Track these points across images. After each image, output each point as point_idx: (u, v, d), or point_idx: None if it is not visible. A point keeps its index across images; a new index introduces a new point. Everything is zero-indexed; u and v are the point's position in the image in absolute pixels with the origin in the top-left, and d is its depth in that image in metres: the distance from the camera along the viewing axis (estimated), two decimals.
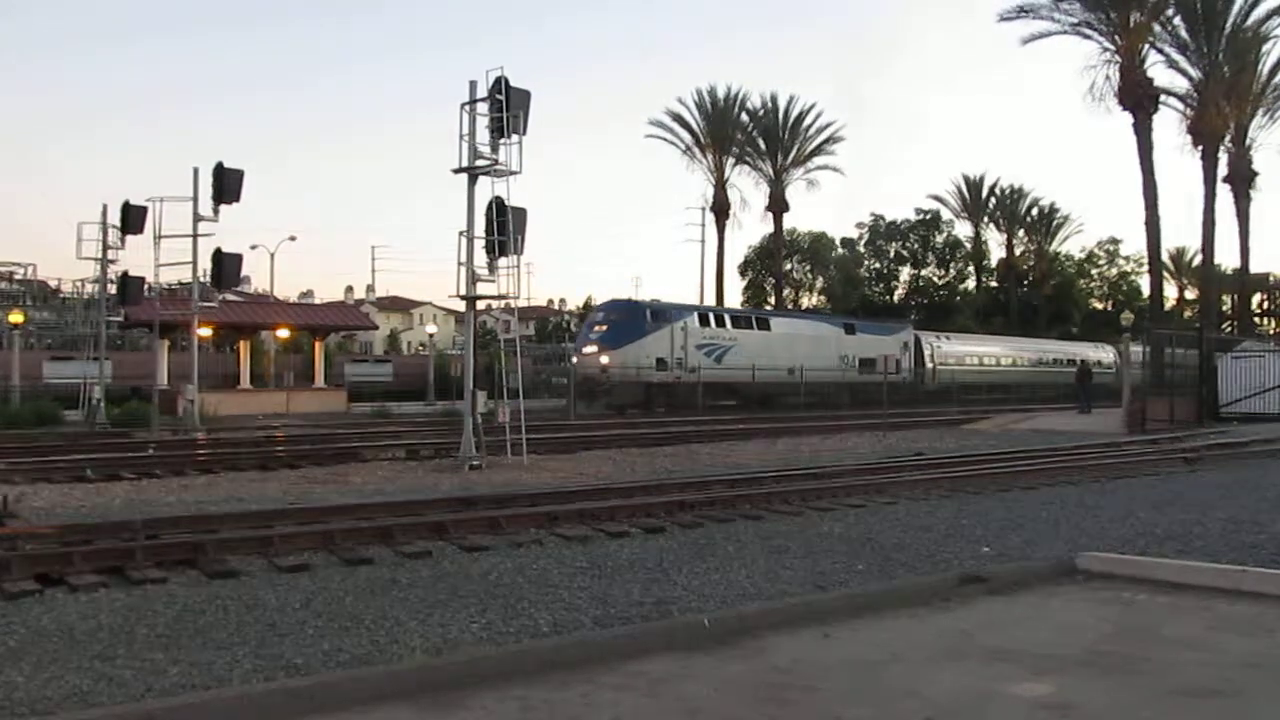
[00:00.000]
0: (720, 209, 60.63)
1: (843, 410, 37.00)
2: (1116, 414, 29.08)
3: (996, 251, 76.73)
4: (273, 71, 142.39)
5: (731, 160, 61.58)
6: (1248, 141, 50.61)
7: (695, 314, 38.32)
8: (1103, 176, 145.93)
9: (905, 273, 75.77)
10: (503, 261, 17.67)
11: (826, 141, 62.09)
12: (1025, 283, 75.57)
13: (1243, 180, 50.38)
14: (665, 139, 60.88)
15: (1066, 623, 6.35)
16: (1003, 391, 48.05)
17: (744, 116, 61.73)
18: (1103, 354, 56.01)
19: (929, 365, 46.47)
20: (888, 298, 74.91)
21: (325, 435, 23.44)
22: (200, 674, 5.36)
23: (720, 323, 38.78)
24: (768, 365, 38.00)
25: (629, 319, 35.83)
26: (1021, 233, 76.42)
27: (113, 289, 27.71)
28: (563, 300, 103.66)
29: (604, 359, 34.18)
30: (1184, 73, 46.04)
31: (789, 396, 38.89)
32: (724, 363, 37.33)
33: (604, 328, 36.03)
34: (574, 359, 36.32)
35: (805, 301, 75.37)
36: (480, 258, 17.67)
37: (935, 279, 74.73)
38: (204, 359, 33.45)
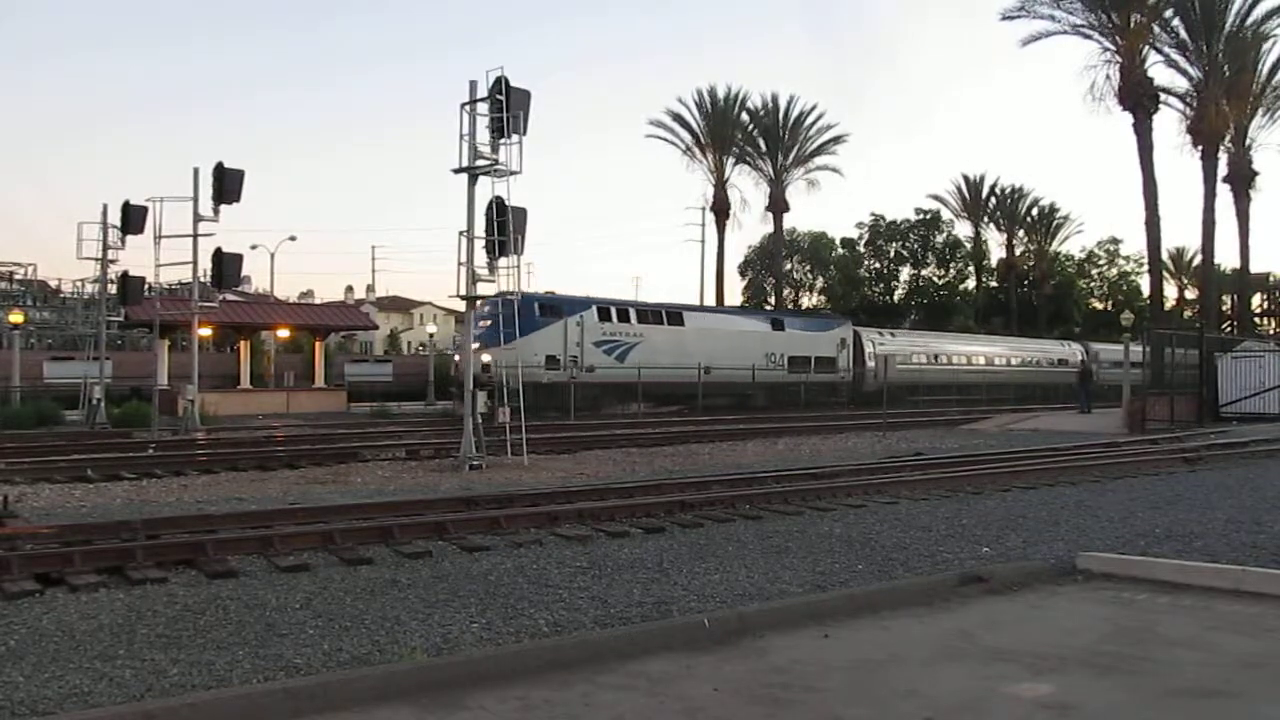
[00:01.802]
0: (720, 209, 60.63)
1: (760, 414, 34.30)
2: (1116, 414, 29.09)
3: (996, 251, 76.84)
4: (273, 72, 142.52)
5: (731, 160, 61.59)
6: (1248, 141, 50.68)
7: (594, 307, 34.99)
8: (1103, 176, 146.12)
9: (905, 273, 75.73)
10: (503, 261, 17.70)
11: (828, 142, 62.11)
12: (1025, 283, 75.57)
13: (1243, 180, 50.41)
14: (665, 139, 60.94)
15: (1066, 623, 6.35)
16: (957, 392, 44.84)
17: (744, 116, 61.74)
18: (1069, 352, 54.15)
19: (869, 364, 43.19)
20: (888, 298, 74.88)
21: (325, 435, 23.44)
22: (200, 674, 5.36)
23: (623, 317, 35.35)
24: (679, 364, 35.03)
25: (515, 313, 33.88)
26: (1021, 233, 76.45)
27: (113, 289, 27.72)
28: None
29: (485, 357, 31.05)
30: (1184, 73, 46.16)
31: (705, 398, 36.04)
32: (628, 361, 34.16)
33: (488, 323, 31.80)
34: (456, 358, 32.88)
35: (805, 301, 75.37)
36: (480, 257, 17.70)
37: (935, 279, 74.68)
38: (204, 359, 33.46)
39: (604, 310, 35.12)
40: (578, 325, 33.26)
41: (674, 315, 37.69)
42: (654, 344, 35.06)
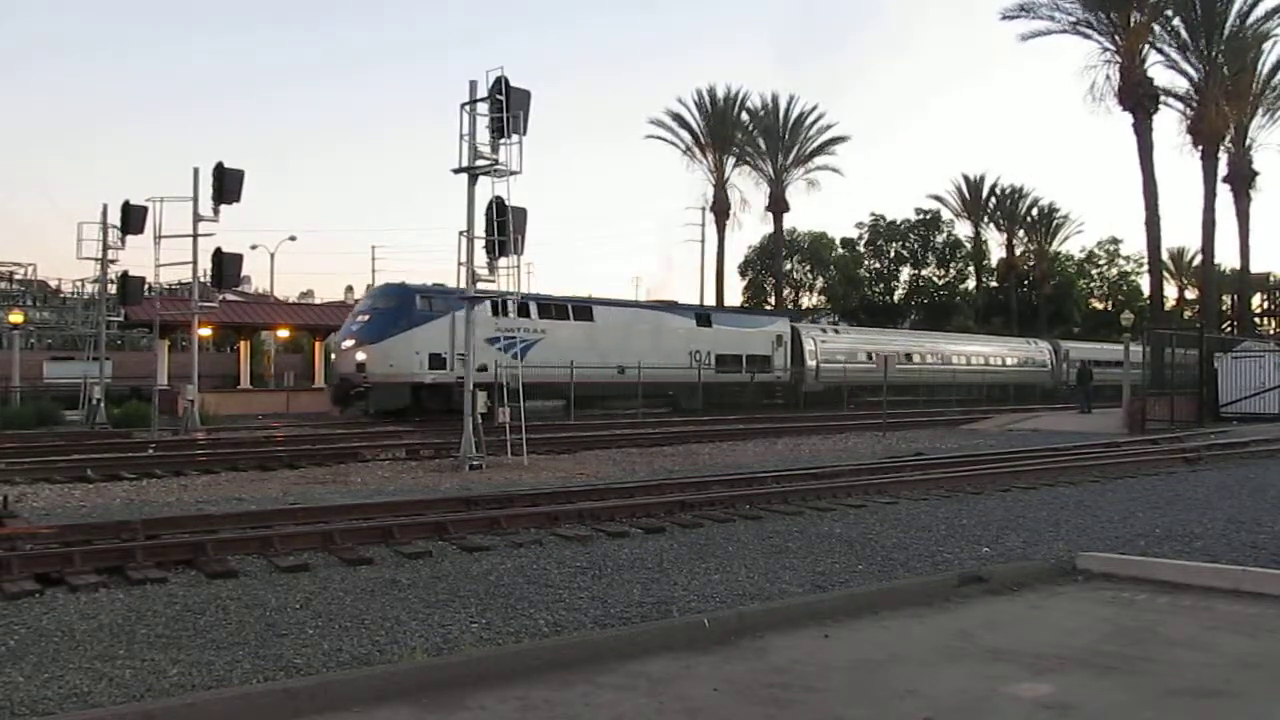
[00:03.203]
0: (720, 209, 60.64)
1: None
2: (1116, 414, 29.10)
3: (996, 251, 76.82)
4: (273, 72, 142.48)
5: (731, 160, 61.60)
6: (1248, 141, 50.69)
7: (487, 301, 32.71)
8: (1103, 176, 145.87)
9: (905, 273, 75.77)
10: (503, 261, 17.71)
11: (828, 142, 62.14)
12: (1025, 283, 75.58)
13: (1243, 180, 50.42)
14: (665, 139, 60.94)
15: (1066, 623, 6.35)
16: (913, 393, 42.37)
17: (744, 116, 61.76)
18: (1037, 351, 52.74)
19: (810, 364, 40.51)
20: (888, 298, 74.90)
21: (325, 435, 23.43)
22: (200, 674, 5.36)
23: (523, 311, 31.67)
24: (589, 363, 32.12)
25: (395, 306, 29.86)
26: (1021, 233, 76.44)
27: (113, 289, 27.73)
28: None
29: (360, 355, 28.62)
30: (1184, 73, 46.16)
31: (618, 400, 33.74)
32: (528, 359, 30.29)
33: (366, 317, 30.23)
34: (333, 356, 30.96)
35: (805, 301, 75.36)
36: (480, 257, 17.71)
37: (935, 279, 74.70)
38: (204, 359, 33.52)
39: (499, 304, 31.83)
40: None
41: (582, 310, 34.70)
42: (559, 341, 31.81)
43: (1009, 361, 51.17)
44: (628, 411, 32.53)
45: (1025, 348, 52.98)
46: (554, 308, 33.41)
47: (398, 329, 28.89)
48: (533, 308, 32.24)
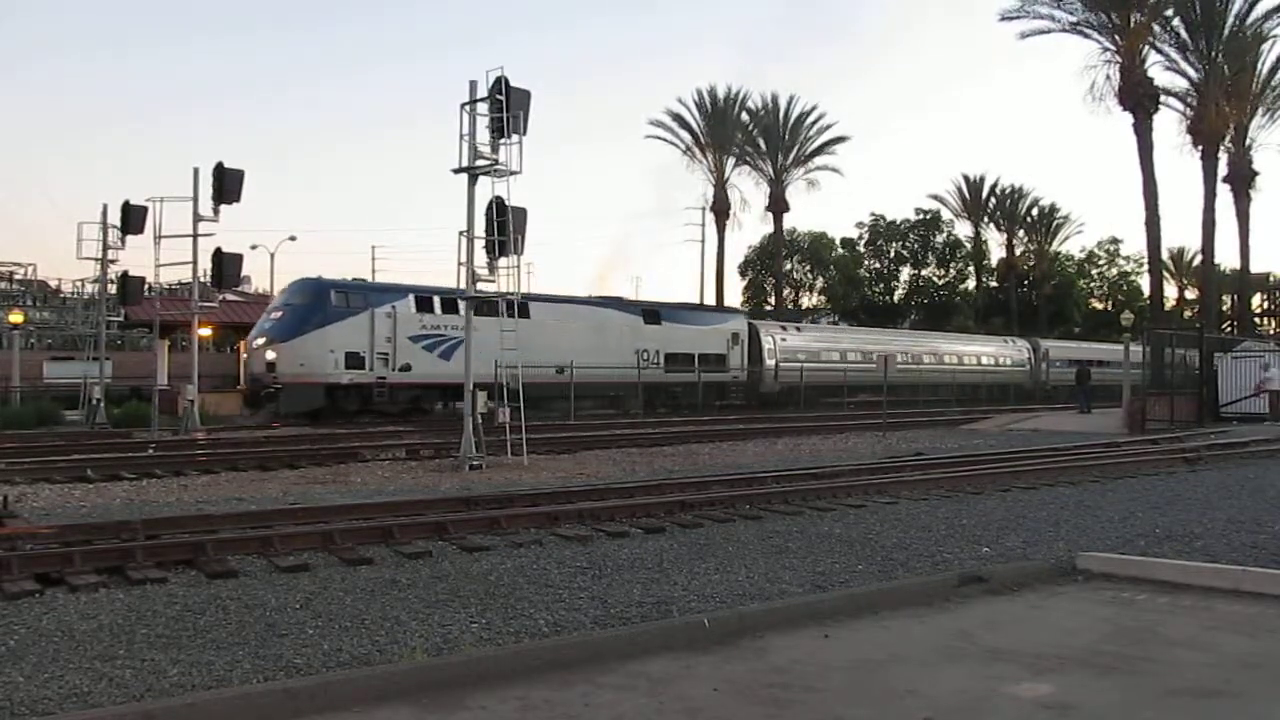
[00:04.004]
0: (720, 209, 60.68)
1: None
2: (1116, 414, 29.11)
3: (996, 251, 76.94)
4: (273, 73, 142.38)
5: (731, 160, 61.68)
6: (1248, 141, 50.75)
7: (411, 296, 29.76)
8: (1103, 176, 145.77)
9: (905, 273, 75.84)
10: (503, 261, 17.74)
11: (828, 142, 62.26)
12: (1025, 283, 75.62)
13: (1243, 180, 50.46)
14: (665, 139, 60.97)
15: (1066, 623, 6.35)
16: (882, 394, 41.48)
17: (744, 116, 61.84)
18: (1015, 350, 51.54)
19: (769, 363, 39.15)
20: (888, 298, 74.95)
21: (325, 435, 23.43)
22: (200, 674, 5.36)
23: (450, 308, 29.48)
24: (526, 362, 31.55)
25: (309, 302, 28.21)
26: (1021, 233, 76.56)
27: (113, 289, 27.73)
28: None
29: (270, 355, 27.20)
30: (1184, 73, 46.24)
31: (558, 401, 31.42)
32: (455, 359, 28.67)
33: (279, 314, 28.65)
34: (245, 355, 29.75)
35: (805, 302, 75.41)
36: (480, 257, 17.74)
37: (935, 279, 74.76)
38: (204, 359, 33.44)
39: (424, 300, 29.90)
40: (389, 317, 28.59)
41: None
42: (490, 339, 31.47)
43: (984, 360, 49.74)
44: (578, 412, 31.04)
45: (1001, 346, 51.76)
46: (485, 304, 31.99)
47: (310, 326, 27.44)
48: (462, 304, 30.65)
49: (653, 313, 36.80)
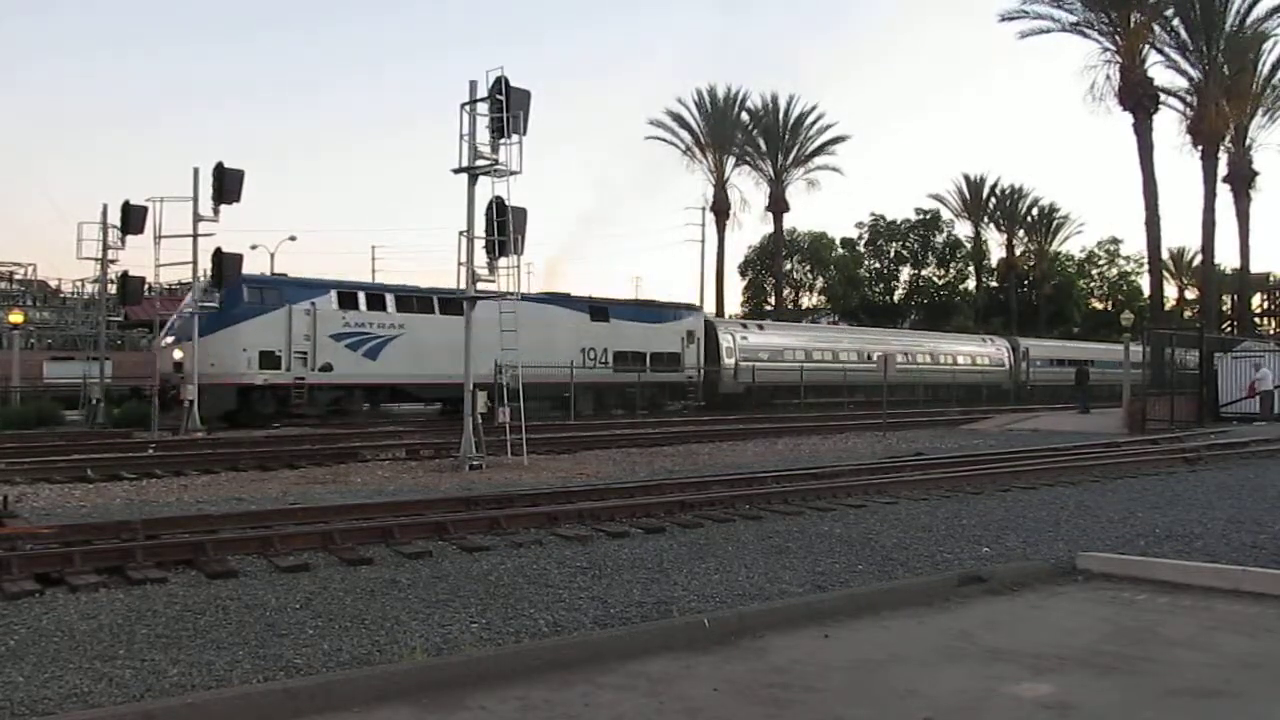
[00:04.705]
0: (720, 209, 60.66)
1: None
2: (1116, 414, 29.12)
3: (996, 251, 76.92)
4: (273, 73, 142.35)
5: (731, 160, 61.66)
6: (1248, 141, 50.76)
7: (333, 292, 27.88)
8: (1103, 176, 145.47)
9: (905, 273, 75.87)
10: (503, 261, 17.74)
11: (828, 142, 62.21)
12: (1025, 283, 75.63)
13: (1243, 180, 50.46)
14: (665, 139, 60.94)
15: (1066, 623, 6.35)
16: (850, 394, 39.39)
17: (744, 116, 61.81)
18: (993, 349, 50.13)
19: (728, 362, 37.65)
20: (888, 298, 74.98)
21: (325, 435, 23.43)
22: (200, 674, 5.36)
23: (376, 304, 28.47)
24: (459, 362, 30.25)
25: (224, 297, 26.29)
26: (1021, 233, 76.56)
27: (113, 289, 27.73)
28: None
29: (177, 354, 25.50)
30: (1184, 73, 46.22)
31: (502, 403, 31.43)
32: (382, 358, 28.02)
33: (189, 311, 26.82)
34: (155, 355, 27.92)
35: (806, 302, 75.44)
36: (480, 257, 17.73)
37: (935, 279, 74.78)
38: None
39: (348, 296, 28.28)
40: (308, 314, 26.78)
41: (450, 301, 29.23)
42: (420, 338, 28.51)
43: (960, 360, 48.15)
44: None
45: (980, 345, 50.44)
46: (416, 299, 29.73)
47: (220, 324, 25.56)
48: (389, 299, 29.10)
49: (600, 310, 34.91)
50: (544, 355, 29.08)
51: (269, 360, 26.26)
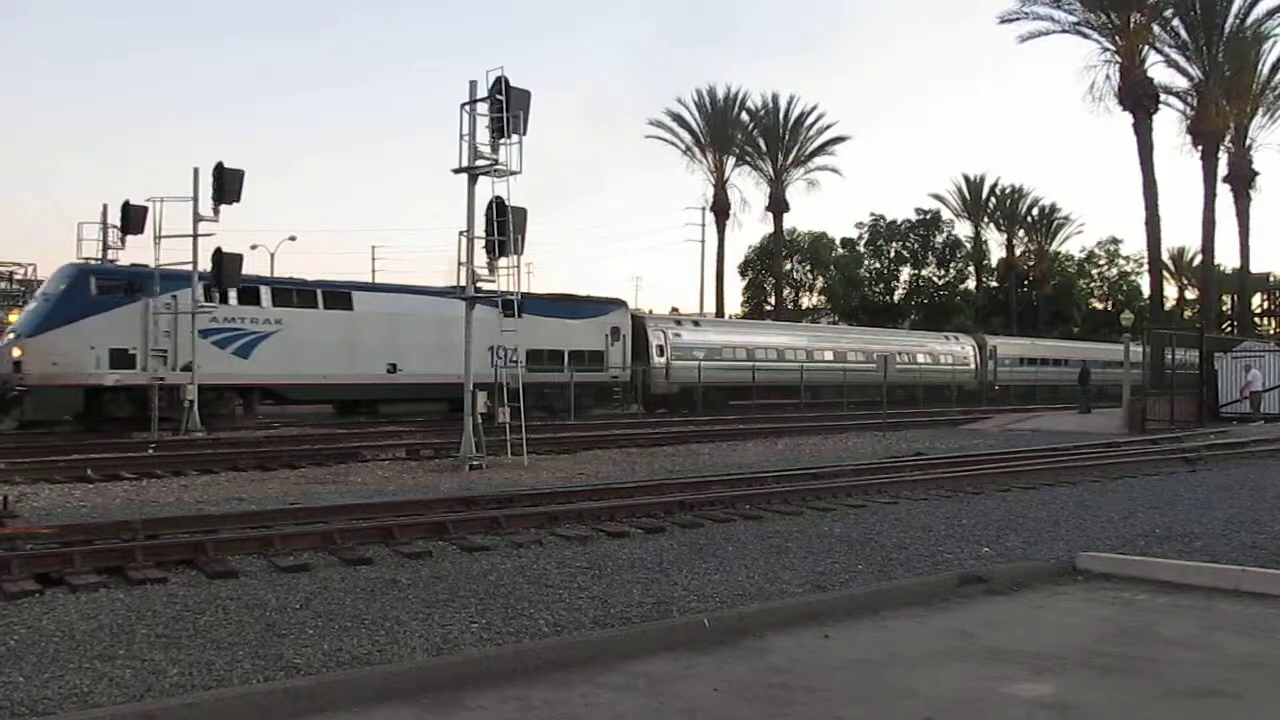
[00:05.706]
0: (720, 209, 60.69)
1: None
2: (1116, 414, 29.12)
3: (996, 251, 76.92)
4: (273, 74, 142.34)
5: (731, 160, 61.69)
6: (1248, 141, 50.71)
7: (200, 285, 24.59)
8: (1103, 176, 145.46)
9: (905, 273, 75.83)
10: (503, 261, 17.75)
11: (828, 142, 62.23)
12: (1025, 283, 75.61)
13: (1243, 180, 50.44)
14: (665, 139, 60.95)
15: (1066, 623, 6.35)
16: (799, 395, 38.00)
17: (744, 117, 61.83)
18: (956, 348, 48.27)
19: (659, 360, 35.64)
20: (888, 298, 74.94)
21: (325, 435, 23.44)
22: (200, 674, 5.36)
23: (250, 298, 26.17)
24: (346, 361, 27.19)
25: (65, 291, 24.27)
26: (1021, 233, 76.55)
27: None
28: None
29: (15, 352, 23.36)
30: (1184, 73, 46.23)
31: (392, 404, 28.70)
32: (254, 356, 25.94)
33: (33, 305, 25.39)
34: None
35: (806, 302, 75.39)
36: (480, 257, 17.74)
37: (935, 279, 74.75)
38: None
39: (212, 288, 25.23)
40: (168, 308, 24.43)
41: (337, 296, 28.33)
42: (300, 334, 26.66)
43: (920, 359, 46.06)
44: (411, 418, 28.10)
45: (942, 343, 48.59)
46: (296, 293, 27.59)
47: (63, 319, 23.58)
48: (264, 293, 26.90)
49: (512, 305, 33.18)
50: (445, 354, 26.53)
51: (121, 359, 24.09)
